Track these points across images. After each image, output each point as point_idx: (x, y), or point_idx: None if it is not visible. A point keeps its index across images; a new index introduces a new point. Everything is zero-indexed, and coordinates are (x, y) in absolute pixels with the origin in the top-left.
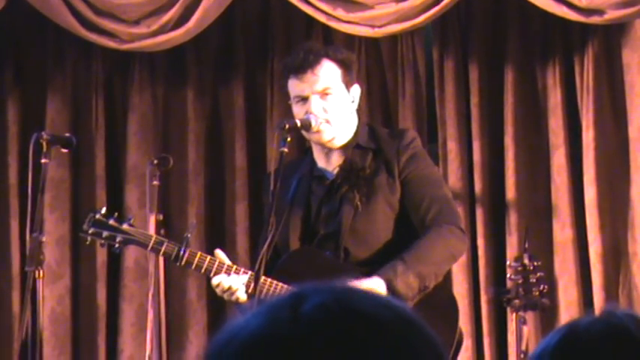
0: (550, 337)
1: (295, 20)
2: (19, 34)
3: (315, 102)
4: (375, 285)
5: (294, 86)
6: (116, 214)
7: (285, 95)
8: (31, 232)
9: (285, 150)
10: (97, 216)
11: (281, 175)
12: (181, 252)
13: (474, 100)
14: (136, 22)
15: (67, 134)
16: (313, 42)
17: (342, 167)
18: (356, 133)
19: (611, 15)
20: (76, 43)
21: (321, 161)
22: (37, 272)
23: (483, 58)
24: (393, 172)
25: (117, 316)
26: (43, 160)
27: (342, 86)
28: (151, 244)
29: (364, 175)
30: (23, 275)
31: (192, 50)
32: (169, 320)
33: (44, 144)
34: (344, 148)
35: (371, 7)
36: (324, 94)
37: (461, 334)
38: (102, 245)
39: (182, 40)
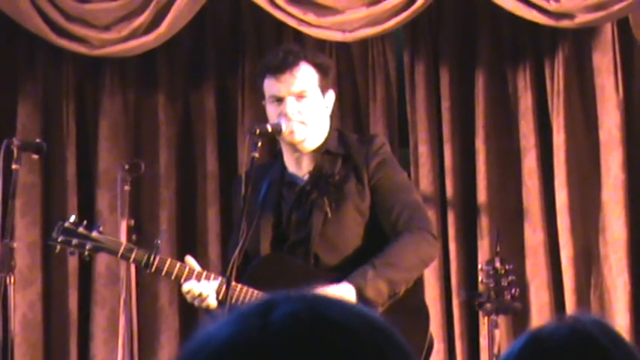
0: (514, 343)
1: (266, 25)
2: None
3: (290, 103)
4: (345, 291)
5: (271, 86)
6: (85, 222)
7: (257, 98)
8: (2, 238)
9: (256, 155)
10: (66, 224)
11: (252, 179)
12: (151, 259)
13: (445, 103)
14: (107, 28)
15: (38, 140)
16: (292, 44)
17: (311, 173)
18: (326, 139)
19: (582, 19)
20: (46, 48)
21: (291, 166)
22: (8, 278)
23: (454, 62)
24: (362, 178)
25: (88, 321)
26: (13, 166)
27: (318, 91)
28: (120, 252)
29: (333, 182)
30: None
31: (163, 55)
32: (141, 325)
33: (15, 150)
34: (314, 153)
35: (341, 12)
36: (300, 96)
37: (431, 339)
38: (71, 253)
39: (153, 45)
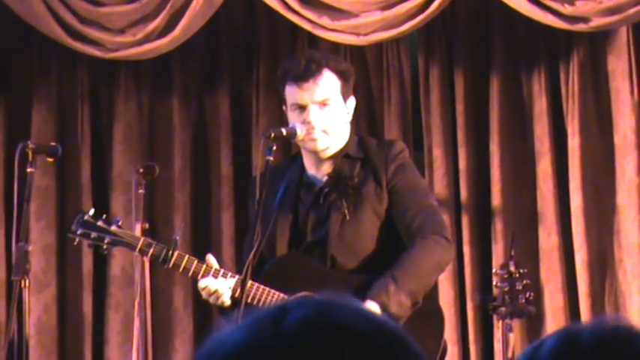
0: (543, 339)
1: (280, 28)
2: (5, 43)
3: (313, 111)
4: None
5: (293, 93)
6: (104, 215)
7: (272, 101)
8: (17, 241)
9: (271, 158)
10: (86, 217)
11: (267, 181)
12: (170, 254)
13: (460, 107)
14: (122, 31)
15: (53, 143)
16: (314, 51)
17: (330, 176)
18: (347, 143)
19: (597, 22)
20: (61, 52)
21: (311, 169)
22: (23, 281)
23: (469, 66)
24: (381, 181)
25: (103, 324)
26: (28, 169)
27: (340, 98)
28: (139, 246)
29: (352, 184)
30: (9, 284)
31: (177, 59)
32: (155, 328)
33: (30, 153)
34: (334, 158)
35: (356, 15)
36: (323, 104)
37: (445, 344)
38: (89, 246)
39: (167, 48)
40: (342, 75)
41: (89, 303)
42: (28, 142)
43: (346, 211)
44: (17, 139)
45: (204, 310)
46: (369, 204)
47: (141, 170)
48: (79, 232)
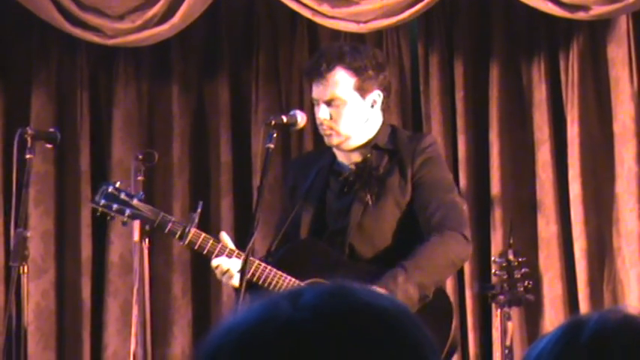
0: (552, 332)
1: (280, 15)
2: (4, 29)
3: (322, 109)
4: None
5: (313, 89)
6: (128, 188)
7: (271, 88)
8: (16, 227)
9: (272, 146)
10: (110, 189)
11: (268, 169)
12: (186, 231)
13: (459, 95)
14: (121, 17)
15: (52, 129)
16: (334, 46)
17: (356, 165)
18: (376, 134)
19: (597, 11)
20: (60, 38)
21: (341, 157)
22: (21, 267)
23: (468, 54)
24: (406, 174)
25: (102, 311)
26: (27, 156)
27: (355, 94)
28: (157, 221)
29: (377, 175)
30: (8, 270)
31: (177, 45)
32: (154, 315)
33: (29, 139)
34: (362, 148)
35: (356, 3)
36: (330, 102)
37: (454, 340)
38: (110, 218)
39: (167, 35)
40: (357, 71)
41: (88, 289)
42: (27, 129)
43: (368, 201)
44: (16, 125)
45: (202, 297)
46: (392, 196)
47: (140, 157)
48: (101, 204)
